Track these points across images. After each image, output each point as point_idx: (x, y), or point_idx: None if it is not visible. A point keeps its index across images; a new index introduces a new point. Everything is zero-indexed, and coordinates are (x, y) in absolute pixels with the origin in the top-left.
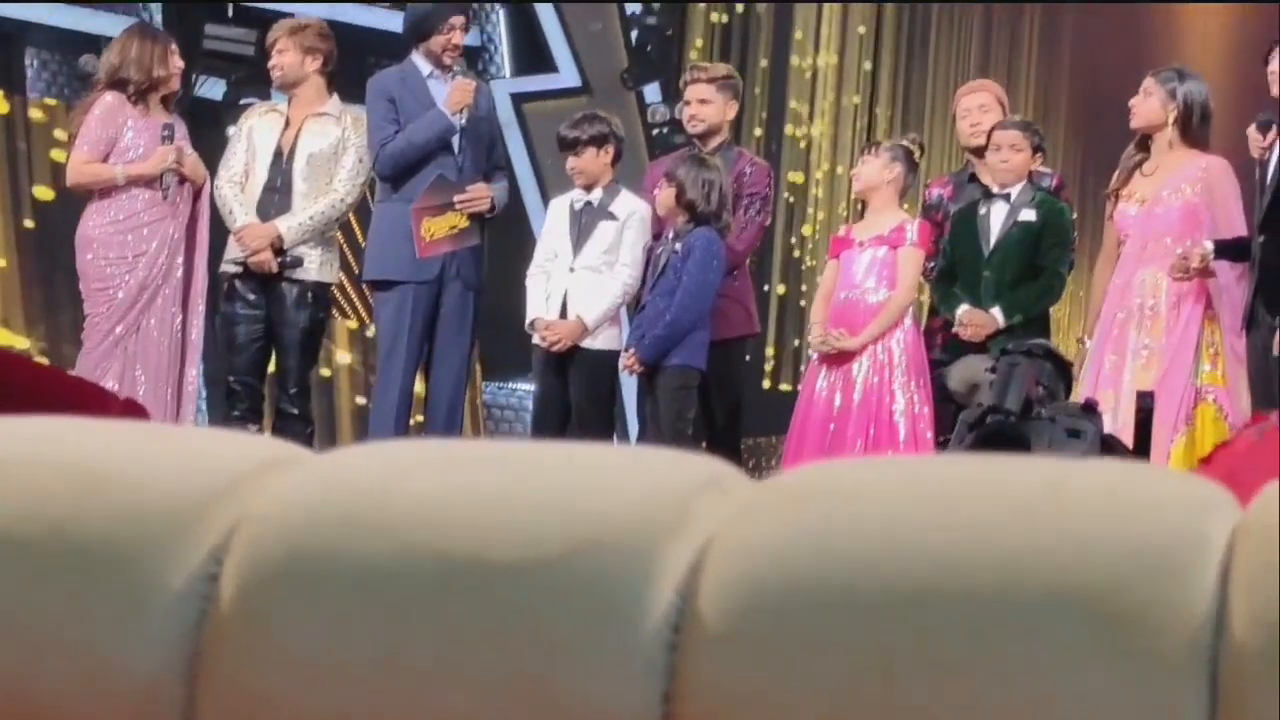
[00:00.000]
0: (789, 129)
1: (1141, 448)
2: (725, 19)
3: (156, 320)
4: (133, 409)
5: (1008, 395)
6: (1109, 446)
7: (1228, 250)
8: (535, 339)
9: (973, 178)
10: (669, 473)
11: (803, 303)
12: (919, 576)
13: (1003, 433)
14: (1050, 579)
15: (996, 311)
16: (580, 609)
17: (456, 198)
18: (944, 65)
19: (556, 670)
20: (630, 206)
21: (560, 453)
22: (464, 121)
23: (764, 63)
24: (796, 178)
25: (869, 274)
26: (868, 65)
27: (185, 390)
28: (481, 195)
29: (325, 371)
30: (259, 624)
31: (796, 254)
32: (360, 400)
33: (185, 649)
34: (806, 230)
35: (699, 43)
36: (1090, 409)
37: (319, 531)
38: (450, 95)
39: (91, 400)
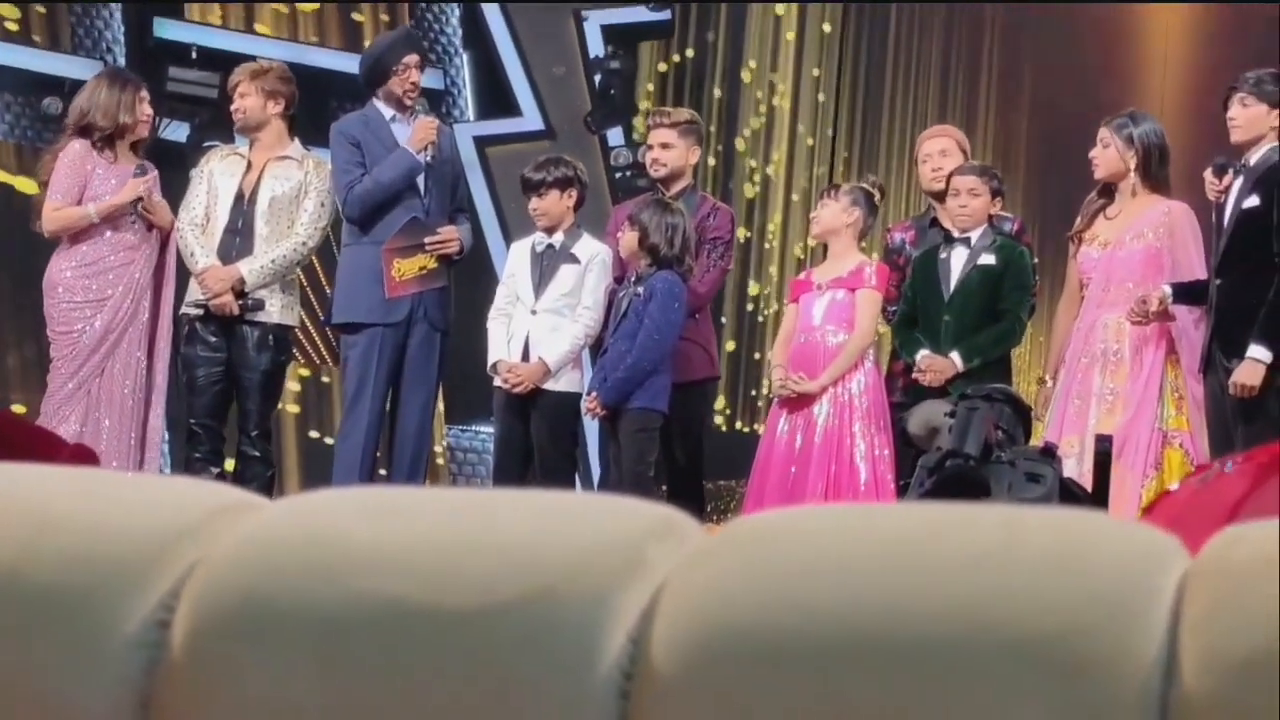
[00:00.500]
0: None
1: (1100, 491)
2: (677, 59)
3: (121, 365)
4: (82, 454)
5: (967, 439)
6: (1068, 491)
7: (1186, 294)
8: (497, 381)
9: (934, 222)
10: (622, 520)
11: (762, 352)
12: (871, 625)
13: (962, 476)
14: (1003, 627)
15: (955, 356)
16: (534, 656)
17: (427, 240)
18: (900, 110)
19: (510, 716)
20: (592, 250)
21: (514, 500)
22: (429, 159)
23: (718, 93)
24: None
25: (828, 317)
26: (822, 97)
27: (149, 436)
28: (451, 238)
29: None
30: (211, 671)
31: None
32: (313, 434)
33: (137, 695)
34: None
35: (649, 86)
36: (1049, 453)
37: (273, 578)
38: (414, 134)
39: (40, 446)
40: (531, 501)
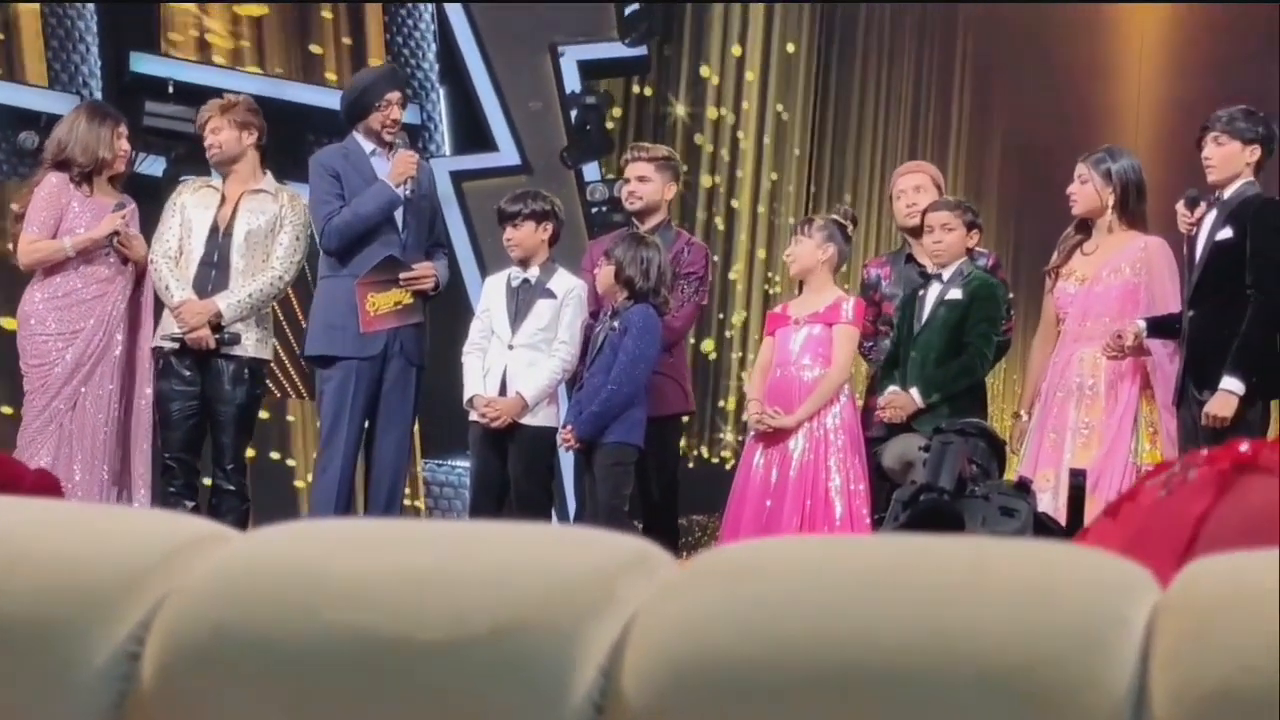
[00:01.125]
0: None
1: (1075, 526)
2: (648, 91)
3: (93, 399)
4: (45, 482)
5: (941, 473)
6: (1042, 525)
7: (1159, 327)
8: (473, 416)
9: (909, 258)
10: (594, 552)
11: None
12: (843, 657)
13: (936, 510)
14: (974, 659)
15: (915, 392)
16: (505, 688)
17: (402, 275)
18: (870, 145)
19: None
20: (568, 284)
21: (486, 533)
22: (408, 193)
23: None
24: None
25: (804, 351)
26: (796, 151)
27: (134, 474)
28: (427, 274)
29: None
30: (181, 704)
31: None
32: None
33: None
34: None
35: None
36: (1024, 487)
37: (243, 611)
38: (393, 168)
39: (2, 473)
40: (502, 534)
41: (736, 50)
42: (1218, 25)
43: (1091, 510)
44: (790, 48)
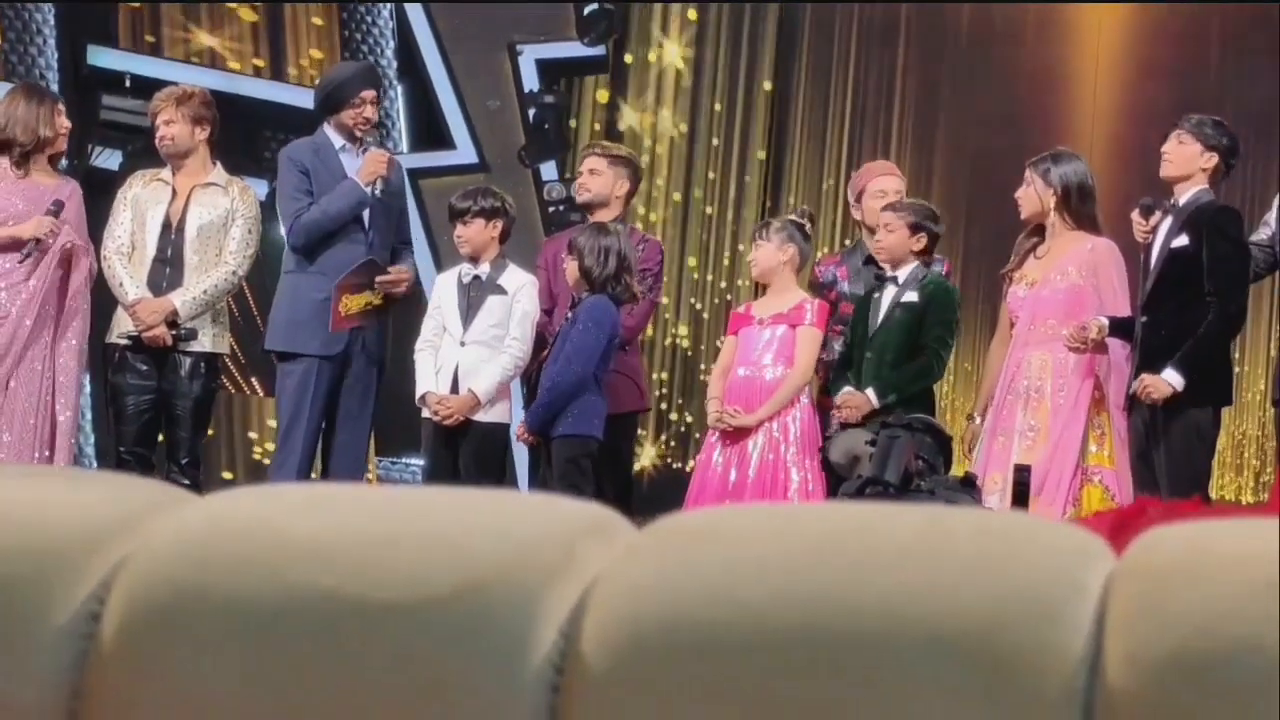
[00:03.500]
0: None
1: None
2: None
3: (25, 391)
4: None
5: (887, 467)
6: None
7: (1120, 328)
8: (425, 413)
9: (869, 259)
10: (554, 516)
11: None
12: (801, 619)
13: None
14: (929, 621)
15: (871, 392)
16: (465, 650)
17: (379, 278)
18: (829, 148)
19: (441, 710)
20: (519, 280)
21: (446, 496)
22: (378, 192)
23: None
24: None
25: (766, 351)
26: (761, 154)
27: (57, 459)
28: (402, 278)
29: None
30: (142, 663)
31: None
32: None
33: (67, 687)
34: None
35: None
36: (970, 483)
37: (204, 571)
38: (364, 166)
39: None
40: (464, 498)
41: (684, 53)
42: (1174, 31)
43: (1038, 510)
44: (742, 53)
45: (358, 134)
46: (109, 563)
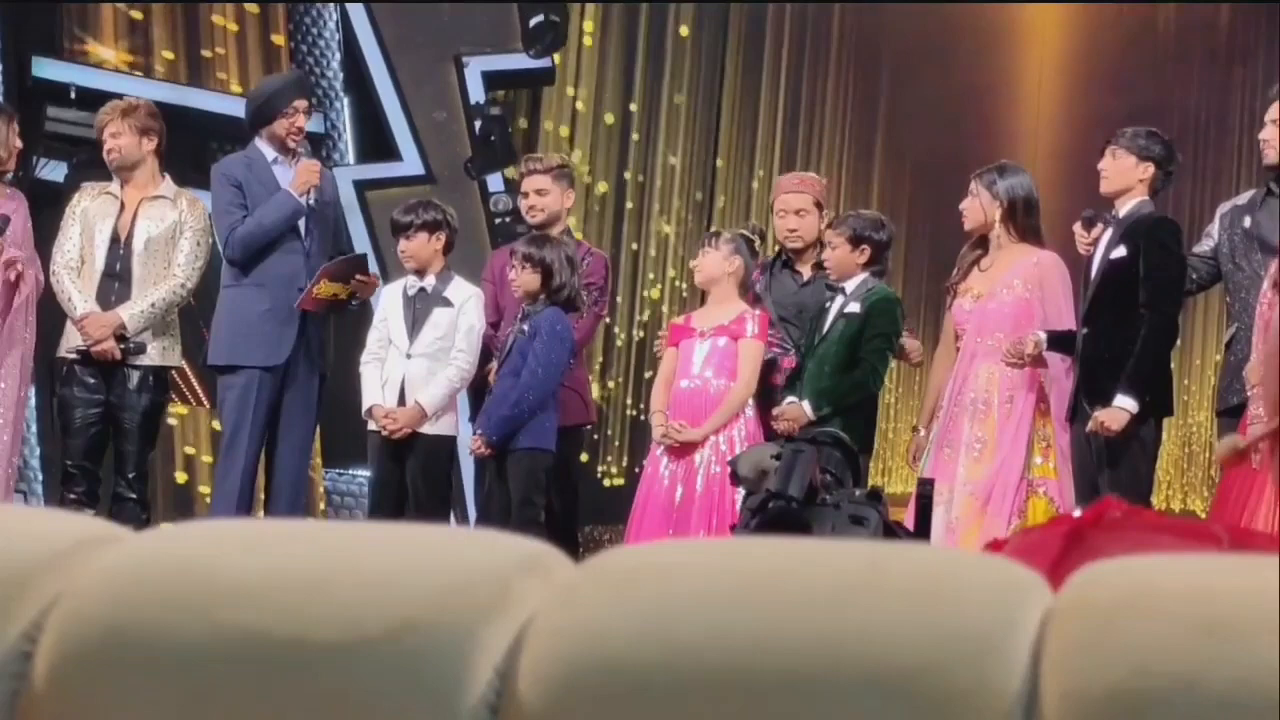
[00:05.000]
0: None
1: (922, 533)
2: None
3: None
4: None
5: (791, 481)
6: (891, 533)
7: (1058, 342)
8: (372, 426)
9: (786, 263)
10: (489, 553)
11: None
12: (737, 659)
13: (784, 518)
14: (867, 660)
15: (806, 405)
16: (399, 690)
17: (359, 276)
18: (771, 157)
19: None
20: (465, 293)
21: (380, 533)
22: (312, 202)
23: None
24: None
25: (708, 363)
26: (720, 162)
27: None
28: (376, 284)
29: None
30: (74, 702)
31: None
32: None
33: None
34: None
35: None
36: (876, 496)
37: (137, 610)
38: (296, 176)
39: None
40: (397, 534)
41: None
42: (1117, 40)
43: (985, 523)
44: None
45: (290, 144)
46: (41, 601)
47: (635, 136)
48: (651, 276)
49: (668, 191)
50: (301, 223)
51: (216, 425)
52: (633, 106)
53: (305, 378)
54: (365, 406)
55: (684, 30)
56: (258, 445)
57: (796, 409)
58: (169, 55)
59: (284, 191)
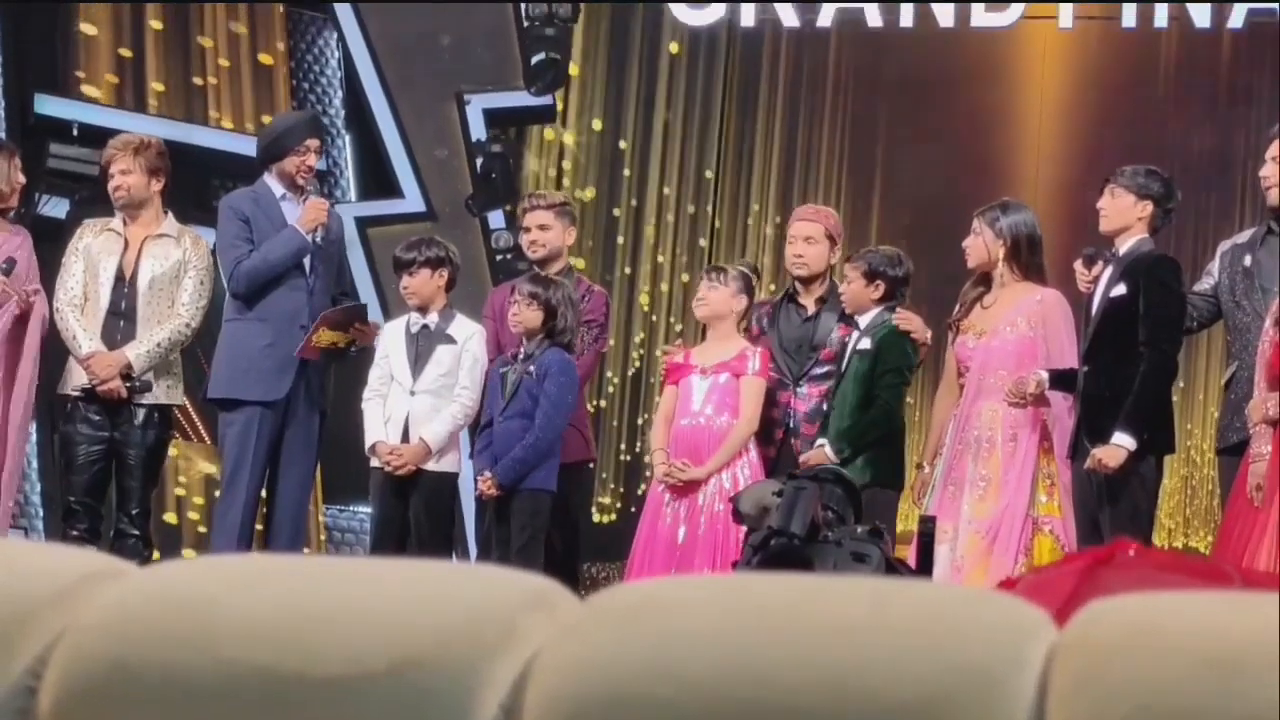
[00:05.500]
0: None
1: (924, 570)
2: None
3: None
4: None
5: (793, 518)
6: (893, 570)
7: (1060, 380)
8: (374, 462)
9: (792, 298)
10: (495, 589)
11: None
12: (742, 694)
13: (786, 555)
14: (873, 696)
15: (828, 449)
16: None
17: (358, 325)
18: (769, 194)
19: None
20: (467, 330)
21: (385, 568)
22: (318, 240)
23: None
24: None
25: (709, 400)
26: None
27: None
28: (376, 333)
29: None
30: None
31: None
32: None
33: None
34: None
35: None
36: (877, 534)
37: (141, 645)
38: (304, 214)
39: None
40: (402, 570)
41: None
42: (1118, 78)
43: (992, 562)
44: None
45: (300, 182)
46: (46, 636)
47: (627, 171)
48: (646, 303)
49: (661, 220)
50: (307, 260)
51: (207, 466)
52: (622, 144)
53: (306, 414)
54: (369, 443)
55: (674, 47)
56: (258, 481)
57: (820, 454)
58: (159, 87)
59: (291, 228)
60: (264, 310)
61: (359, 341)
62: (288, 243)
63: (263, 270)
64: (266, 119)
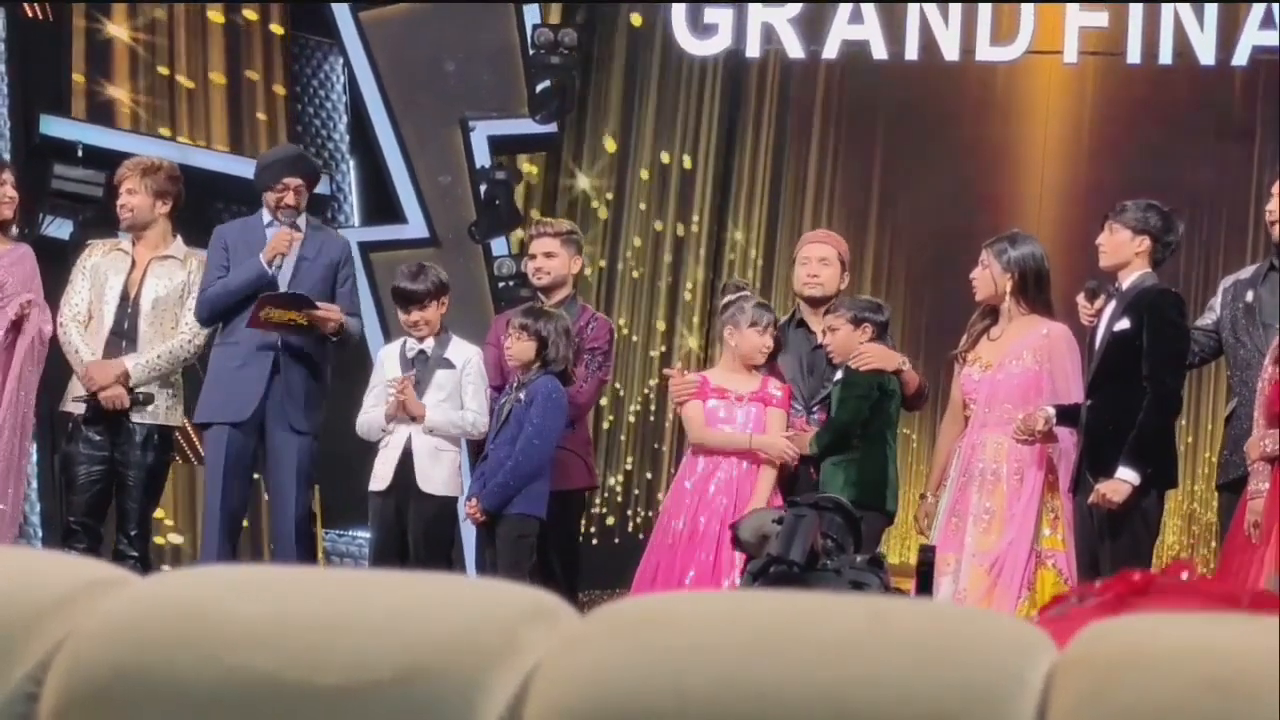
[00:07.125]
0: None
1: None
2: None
3: None
4: None
5: (792, 546)
6: None
7: (1067, 415)
8: (372, 486)
9: (801, 322)
10: (496, 601)
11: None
12: (742, 709)
13: (785, 583)
14: (874, 714)
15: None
16: None
17: (308, 310)
18: (777, 223)
19: None
20: (465, 354)
21: (389, 580)
22: (276, 269)
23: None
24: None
25: (745, 428)
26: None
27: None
28: (333, 317)
29: None
30: None
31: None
32: None
33: None
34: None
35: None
36: (877, 563)
37: (142, 653)
38: (268, 244)
39: None
40: (406, 581)
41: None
42: (1122, 114)
43: (995, 595)
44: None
45: (279, 217)
46: (47, 643)
47: (642, 206)
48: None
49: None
50: (285, 285)
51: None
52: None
53: (284, 440)
54: (379, 424)
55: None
56: (232, 500)
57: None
58: (163, 108)
59: (253, 258)
60: (237, 334)
61: (318, 319)
62: (247, 271)
63: (222, 296)
64: (271, 144)
